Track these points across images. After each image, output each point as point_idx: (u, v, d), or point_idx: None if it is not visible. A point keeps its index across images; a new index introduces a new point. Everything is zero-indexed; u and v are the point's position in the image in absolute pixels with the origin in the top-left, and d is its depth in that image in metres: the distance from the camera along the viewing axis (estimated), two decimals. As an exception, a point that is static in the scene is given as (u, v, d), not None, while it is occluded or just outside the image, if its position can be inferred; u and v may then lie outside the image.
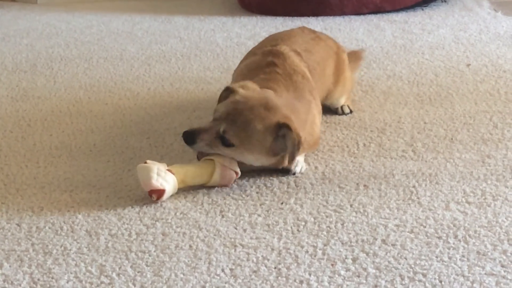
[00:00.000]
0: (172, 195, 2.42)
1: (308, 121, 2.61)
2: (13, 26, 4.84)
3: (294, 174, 2.56)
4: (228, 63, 3.79)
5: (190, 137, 2.46)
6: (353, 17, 4.71)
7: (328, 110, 3.09)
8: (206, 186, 2.48)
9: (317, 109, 2.73)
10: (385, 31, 4.36)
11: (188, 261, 2.07)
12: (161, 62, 3.90)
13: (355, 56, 3.37)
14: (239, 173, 2.49)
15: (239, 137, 2.43)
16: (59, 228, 2.26)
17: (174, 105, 3.26)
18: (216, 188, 2.48)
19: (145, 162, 2.41)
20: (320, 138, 2.75)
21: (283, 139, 2.43)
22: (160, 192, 2.37)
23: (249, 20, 4.73)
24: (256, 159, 2.51)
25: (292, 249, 2.11)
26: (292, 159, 2.46)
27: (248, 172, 2.56)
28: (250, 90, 2.53)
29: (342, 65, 3.08)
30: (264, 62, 2.76)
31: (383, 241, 2.13)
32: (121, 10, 5.18)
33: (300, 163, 2.58)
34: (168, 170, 2.40)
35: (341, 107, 3.09)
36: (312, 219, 2.26)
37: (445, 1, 5.00)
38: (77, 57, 4.06)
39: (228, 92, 2.54)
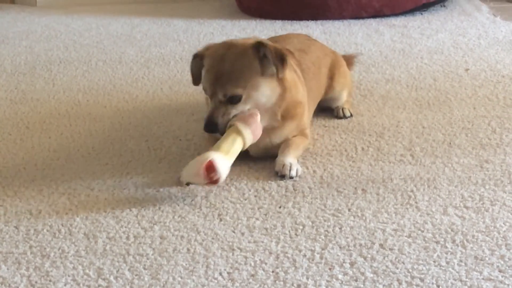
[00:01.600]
0: (171, 199, 2.43)
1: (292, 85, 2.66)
2: (12, 28, 4.85)
3: (291, 178, 2.56)
4: (227, 67, 3.79)
5: (211, 125, 2.52)
6: (352, 21, 4.72)
7: (328, 113, 3.10)
8: (204, 189, 2.48)
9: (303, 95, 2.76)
10: (384, 35, 4.36)
11: (186, 264, 2.07)
12: (160, 65, 3.90)
13: (347, 61, 3.40)
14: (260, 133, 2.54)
15: (236, 85, 2.50)
16: (57, 231, 2.26)
17: (173, 108, 3.26)
18: (215, 191, 2.48)
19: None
20: (310, 133, 2.77)
21: (266, 56, 2.51)
22: (210, 164, 2.36)
23: (248, 24, 4.74)
24: (264, 92, 2.54)
25: (290, 253, 2.11)
26: (281, 66, 2.51)
27: (247, 174, 2.57)
28: (212, 45, 2.62)
29: (339, 61, 3.15)
30: None
31: (381, 245, 2.13)
32: (120, 13, 5.19)
33: (294, 166, 2.58)
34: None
35: (342, 110, 3.10)
36: (310, 223, 2.26)
37: (444, 6, 5.01)
38: (76, 59, 4.07)
39: (196, 60, 2.64)
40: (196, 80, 2.68)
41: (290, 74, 2.65)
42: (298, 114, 2.69)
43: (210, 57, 2.58)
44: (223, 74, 2.51)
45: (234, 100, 2.51)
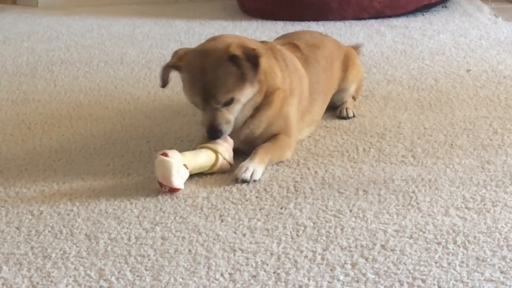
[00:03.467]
0: (172, 200, 2.43)
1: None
2: (13, 29, 4.85)
3: (244, 181, 2.52)
4: (229, 68, 3.79)
5: (215, 132, 2.58)
6: (353, 21, 4.72)
7: (329, 114, 3.10)
8: (206, 190, 2.48)
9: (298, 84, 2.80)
10: (386, 36, 4.36)
11: (187, 265, 2.07)
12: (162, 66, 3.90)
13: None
14: (232, 163, 2.60)
15: (227, 91, 2.54)
16: (58, 232, 2.26)
17: (174, 109, 3.26)
18: (216, 192, 2.48)
19: (163, 153, 2.46)
20: (297, 133, 2.78)
21: (240, 64, 2.54)
22: (176, 191, 2.46)
23: (249, 25, 4.74)
24: (248, 91, 2.59)
25: (291, 254, 2.11)
26: (254, 71, 2.55)
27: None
28: (184, 54, 2.64)
29: (353, 54, 3.21)
30: None
31: (382, 246, 2.13)
32: (121, 14, 5.19)
33: (249, 170, 2.54)
34: (184, 165, 2.49)
35: (346, 109, 3.10)
36: (312, 224, 2.26)
37: (446, 7, 5.01)
38: (77, 60, 4.07)
39: (167, 70, 2.69)
40: (165, 84, 2.72)
41: (264, 62, 2.65)
42: (274, 101, 2.69)
43: (188, 70, 2.60)
44: (210, 85, 2.54)
45: (228, 103, 2.56)
